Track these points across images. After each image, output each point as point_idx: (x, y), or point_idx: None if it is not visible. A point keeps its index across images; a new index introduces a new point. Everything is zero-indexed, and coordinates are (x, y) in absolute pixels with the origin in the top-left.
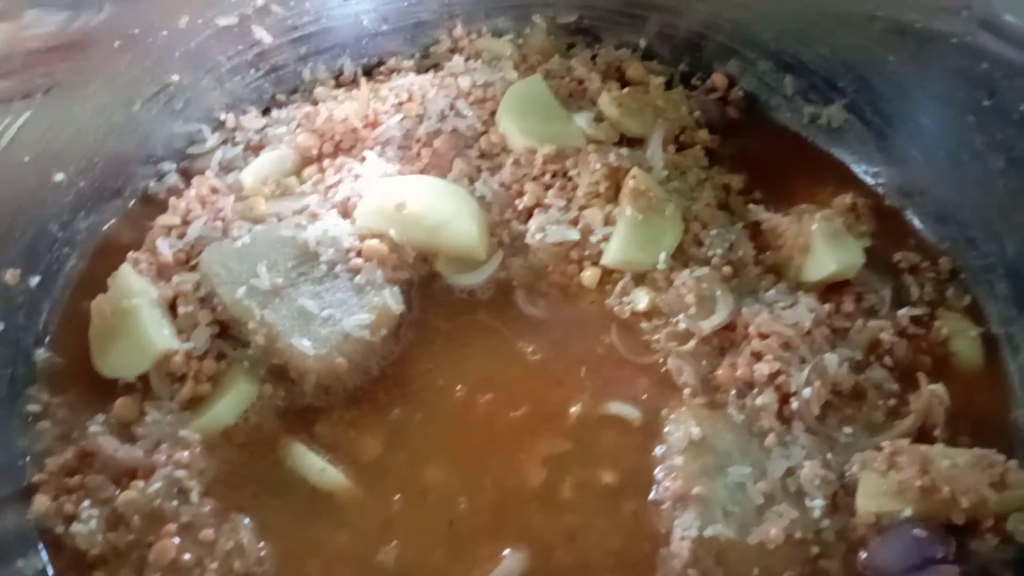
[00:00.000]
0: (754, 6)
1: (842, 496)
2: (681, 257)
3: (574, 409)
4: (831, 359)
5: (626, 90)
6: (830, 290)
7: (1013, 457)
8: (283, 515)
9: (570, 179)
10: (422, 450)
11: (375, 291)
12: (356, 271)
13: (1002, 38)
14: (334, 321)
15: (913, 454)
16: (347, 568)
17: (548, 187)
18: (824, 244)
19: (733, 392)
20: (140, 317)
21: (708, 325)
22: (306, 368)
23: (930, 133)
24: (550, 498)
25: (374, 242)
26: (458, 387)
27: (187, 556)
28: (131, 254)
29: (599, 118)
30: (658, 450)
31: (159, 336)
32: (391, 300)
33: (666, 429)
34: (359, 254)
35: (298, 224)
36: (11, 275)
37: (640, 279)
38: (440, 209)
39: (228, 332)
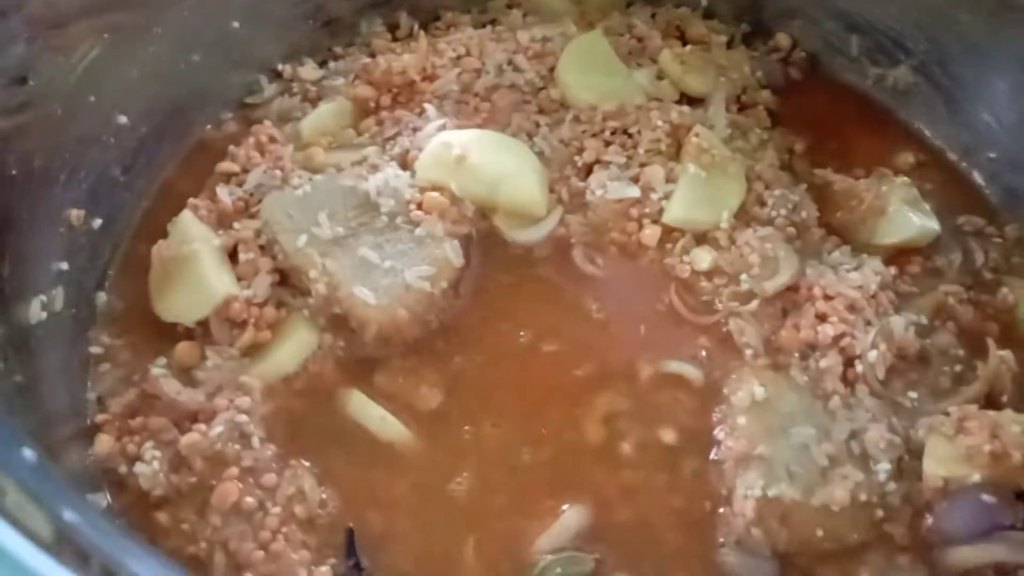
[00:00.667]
0: None
1: (907, 460)
2: (743, 217)
3: (634, 367)
4: (897, 322)
5: (688, 48)
6: (896, 253)
7: None
8: (344, 462)
9: (630, 136)
10: (482, 400)
11: (435, 244)
12: (416, 223)
13: None
14: (395, 272)
15: (983, 419)
16: (408, 513)
17: (608, 144)
18: (902, 209)
19: (796, 354)
20: (200, 263)
21: (772, 286)
22: (367, 318)
23: (1003, 96)
24: (610, 455)
25: (435, 195)
26: (520, 335)
27: (249, 500)
28: (191, 200)
29: (660, 76)
30: (719, 410)
31: (219, 282)
32: (451, 253)
33: (727, 389)
34: (419, 206)
35: (358, 174)
36: (76, 215)
37: (701, 238)
38: (501, 163)
39: (288, 280)
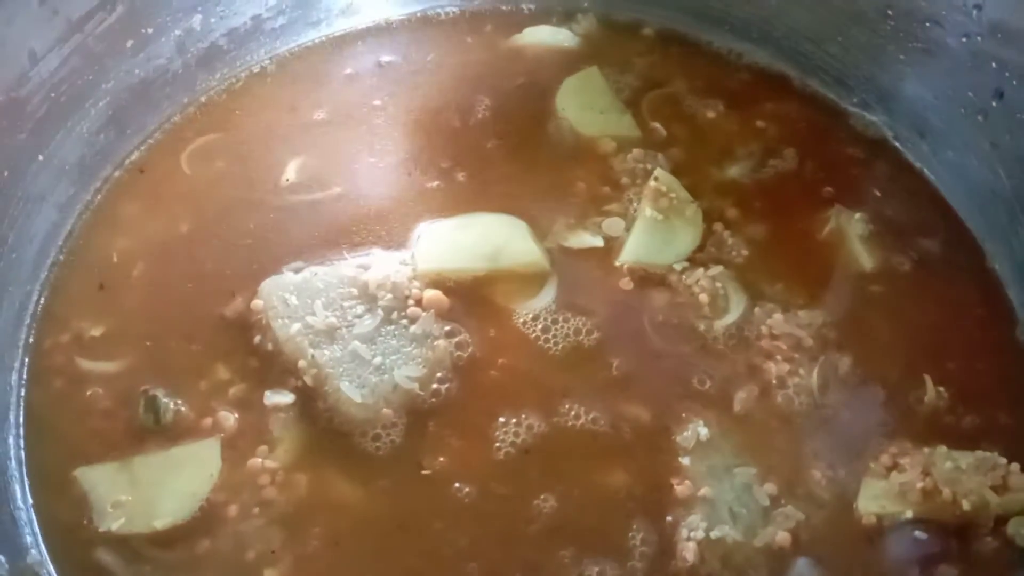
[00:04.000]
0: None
1: (846, 497)
2: (701, 259)
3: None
4: (843, 361)
5: None
6: (847, 285)
7: (1015, 460)
8: None
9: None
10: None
11: (430, 343)
12: (413, 320)
13: (1012, 39)
14: (384, 369)
15: (915, 456)
16: None
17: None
18: (857, 244)
19: (742, 393)
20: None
21: (720, 325)
22: (350, 416)
23: (938, 134)
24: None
25: (435, 293)
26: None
27: None
28: None
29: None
30: (667, 451)
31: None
32: (445, 355)
33: (674, 430)
34: (419, 303)
35: (360, 264)
36: None
37: (657, 280)
38: (493, 234)
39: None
